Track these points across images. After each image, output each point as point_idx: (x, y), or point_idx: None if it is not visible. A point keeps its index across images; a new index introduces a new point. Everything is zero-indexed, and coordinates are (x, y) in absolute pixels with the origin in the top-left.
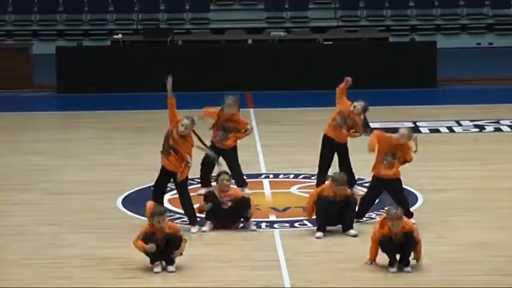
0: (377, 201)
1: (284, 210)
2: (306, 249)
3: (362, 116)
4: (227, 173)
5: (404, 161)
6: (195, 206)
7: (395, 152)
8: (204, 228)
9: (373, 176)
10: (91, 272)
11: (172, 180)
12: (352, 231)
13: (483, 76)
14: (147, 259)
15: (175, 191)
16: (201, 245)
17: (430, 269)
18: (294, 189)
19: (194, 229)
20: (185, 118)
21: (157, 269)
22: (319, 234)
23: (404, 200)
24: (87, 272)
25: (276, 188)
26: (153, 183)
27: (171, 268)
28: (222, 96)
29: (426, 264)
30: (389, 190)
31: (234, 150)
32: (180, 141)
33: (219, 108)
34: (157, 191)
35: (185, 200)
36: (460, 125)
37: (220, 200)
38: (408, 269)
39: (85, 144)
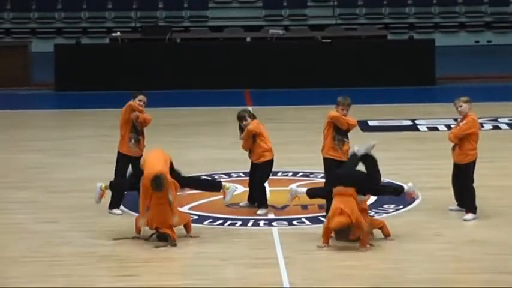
0: (375, 199)
1: (282, 208)
2: (304, 247)
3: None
4: None
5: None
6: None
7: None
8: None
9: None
10: (89, 270)
11: None
12: None
13: (481, 74)
14: (146, 256)
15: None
16: (199, 242)
17: (428, 267)
18: (292, 187)
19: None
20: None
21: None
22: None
23: None
24: (85, 269)
25: (275, 185)
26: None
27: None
28: (221, 94)
29: (424, 262)
30: None
31: None
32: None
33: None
34: None
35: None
36: None
37: None
38: None
39: (84, 142)
